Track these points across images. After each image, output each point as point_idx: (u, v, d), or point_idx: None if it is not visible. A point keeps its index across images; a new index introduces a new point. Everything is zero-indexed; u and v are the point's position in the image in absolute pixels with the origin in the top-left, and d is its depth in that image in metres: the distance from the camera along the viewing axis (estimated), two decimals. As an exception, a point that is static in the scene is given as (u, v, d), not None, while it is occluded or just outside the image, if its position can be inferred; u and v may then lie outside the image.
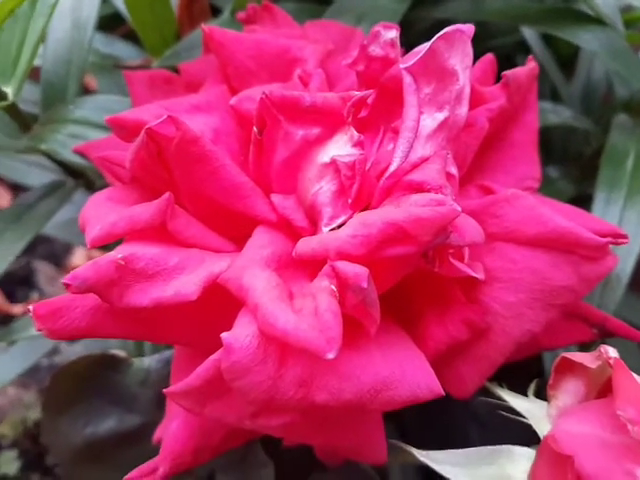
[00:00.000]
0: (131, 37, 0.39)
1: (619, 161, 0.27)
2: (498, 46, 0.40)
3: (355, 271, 0.16)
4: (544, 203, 0.21)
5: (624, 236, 0.22)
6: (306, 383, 0.17)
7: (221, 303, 0.19)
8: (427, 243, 0.17)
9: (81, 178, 0.31)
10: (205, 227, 0.20)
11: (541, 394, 0.21)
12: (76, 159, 0.28)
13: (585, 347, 0.24)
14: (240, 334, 0.17)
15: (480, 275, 0.19)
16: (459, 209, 0.17)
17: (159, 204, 0.18)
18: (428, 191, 0.18)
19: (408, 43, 0.23)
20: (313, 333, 0.16)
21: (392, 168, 0.18)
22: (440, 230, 0.17)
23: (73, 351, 0.41)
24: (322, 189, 0.20)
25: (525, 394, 0.21)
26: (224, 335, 0.16)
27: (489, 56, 0.24)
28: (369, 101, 0.21)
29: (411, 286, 0.20)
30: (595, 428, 0.17)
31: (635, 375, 0.18)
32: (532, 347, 0.22)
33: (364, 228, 0.17)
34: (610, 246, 0.21)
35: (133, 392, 0.25)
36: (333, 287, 0.17)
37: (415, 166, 0.19)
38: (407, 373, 0.18)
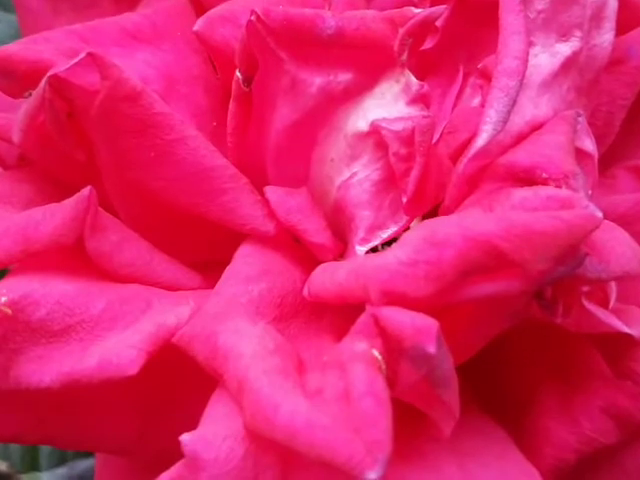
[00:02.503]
0: None
1: None
2: None
3: (415, 325, 0.17)
4: None
5: None
6: (328, 516, 0.18)
7: (179, 379, 0.20)
8: (543, 275, 0.17)
9: None
10: (152, 246, 0.21)
11: None
12: None
13: None
14: (213, 436, 0.17)
15: (637, 331, 0.19)
16: (600, 215, 0.17)
17: (73, 208, 0.19)
18: (544, 182, 0.18)
19: None
20: (342, 435, 0.16)
21: (480, 142, 0.19)
22: (566, 252, 0.17)
23: None
24: (356, 178, 0.21)
25: None
26: (186, 438, 0.17)
27: None
28: (438, 23, 0.22)
29: (514, 351, 0.21)
30: None
31: None
32: None
33: (431, 249, 0.18)
34: None
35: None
36: (376, 353, 0.17)
37: (521, 138, 0.19)
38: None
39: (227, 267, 0.21)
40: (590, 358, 0.21)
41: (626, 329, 0.19)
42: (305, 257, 0.21)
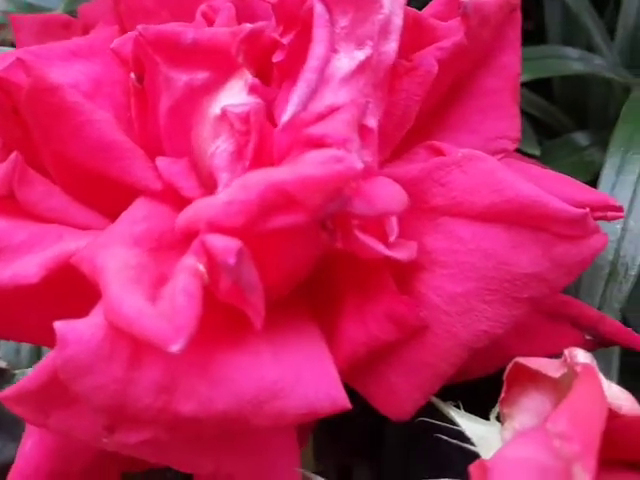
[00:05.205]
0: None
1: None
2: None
3: (225, 245, 0.16)
4: (513, 167, 0.21)
5: (618, 208, 0.21)
6: (168, 389, 0.17)
7: (80, 290, 0.19)
8: (318, 210, 0.17)
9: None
10: (71, 199, 0.20)
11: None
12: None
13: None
14: (81, 324, 0.17)
15: (401, 255, 0.18)
16: (359, 166, 0.17)
17: (4, 168, 0.19)
18: (329, 146, 0.18)
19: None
20: (158, 320, 0.16)
21: (285, 118, 0.18)
22: (333, 193, 0.17)
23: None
24: (218, 150, 0.20)
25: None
26: (57, 324, 0.17)
27: (453, -17, 0.24)
28: (286, 41, 0.21)
29: (334, 271, 0.20)
30: (538, 452, 0.16)
31: (612, 387, 0.18)
32: (500, 356, 0.21)
33: (243, 192, 0.17)
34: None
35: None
36: (200, 266, 0.17)
37: (322, 117, 0.19)
38: (302, 379, 0.18)
39: (122, 213, 0.20)
40: (382, 278, 0.20)
41: (389, 252, 0.18)
42: (184, 207, 0.21)
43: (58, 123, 0.20)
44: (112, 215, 0.21)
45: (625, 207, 0.25)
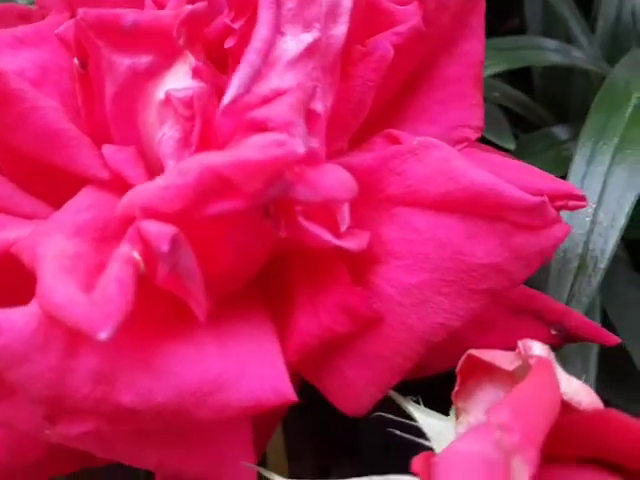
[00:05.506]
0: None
1: (616, 103, 0.26)
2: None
3: (159, 231, 0.16)
4: (472, 156, 0.21)
5: (580, 197, 0.21)
6: (107, 379, 0.17)
7: (22, 280, 0.19)
8: (257, 195, 0.16)
9: None
10: (17, 187, 0.20)
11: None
12: None
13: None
14: (15, 313, 0.17)
15: (350, 244, 0.18)
16: (301, 151, 0.16)
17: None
18: (272, 130, 0.17)
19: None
20: (87, 308, 0.15)
21: (225, 101, 0.18)
22: (272, 178, 0.16)
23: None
24: (165, 136, 0.20)
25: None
26: (-9, 313, 0.16)
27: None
28: (237, 26, 0.21)
29: (289, 263, 0.20)
30: (483, 445, 0.16)
31: (573, 382, 0.17)
32: (461, 351, 0.21)
33: (179, 177, 0.17)
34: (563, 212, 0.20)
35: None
36: (135, 254, 0.16)
37: (266, 100, 0.18)
38: (247, 371, 0.17)
39: (67, 202, 0.20)
40: (335, 269, 0.19)
41: (336, 241, 0.18)
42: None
43: (2, 111, 0.19)
44: (59, 204, 0.20)
45: (595, 199, 0.24)
